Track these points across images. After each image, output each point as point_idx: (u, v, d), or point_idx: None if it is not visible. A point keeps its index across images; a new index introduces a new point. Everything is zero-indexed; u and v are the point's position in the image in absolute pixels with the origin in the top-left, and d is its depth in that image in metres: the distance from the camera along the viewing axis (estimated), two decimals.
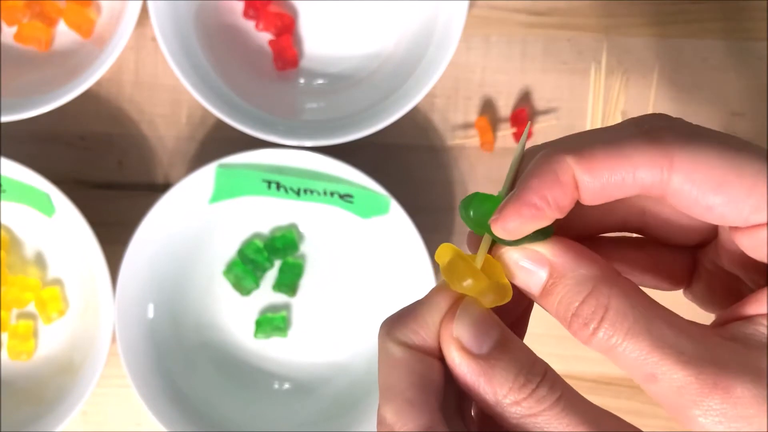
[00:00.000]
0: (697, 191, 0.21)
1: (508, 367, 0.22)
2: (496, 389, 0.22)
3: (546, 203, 0.22)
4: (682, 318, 0.23)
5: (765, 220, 0.21)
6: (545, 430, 0.22)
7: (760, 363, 0.20)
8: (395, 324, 0.23)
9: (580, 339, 0.23)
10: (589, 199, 0.22)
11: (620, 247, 0.26)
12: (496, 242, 0.24)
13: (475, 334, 0.22)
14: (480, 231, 0.24)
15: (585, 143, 0.22)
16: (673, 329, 0.22)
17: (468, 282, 0.23)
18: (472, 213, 0.24)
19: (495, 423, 0.23)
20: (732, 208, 0.21)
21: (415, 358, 0.22)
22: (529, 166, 0.22)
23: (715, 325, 0.23)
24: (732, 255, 0.24)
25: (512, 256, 0.23)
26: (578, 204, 0.22)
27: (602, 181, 0.21)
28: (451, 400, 0.24)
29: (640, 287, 0.23)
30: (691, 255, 0.26)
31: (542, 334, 0.55)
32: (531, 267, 0.23)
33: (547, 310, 0.23)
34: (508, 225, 0.22)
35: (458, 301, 0.23)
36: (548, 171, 0.22)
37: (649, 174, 0.21)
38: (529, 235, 0.23)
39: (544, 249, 0.23)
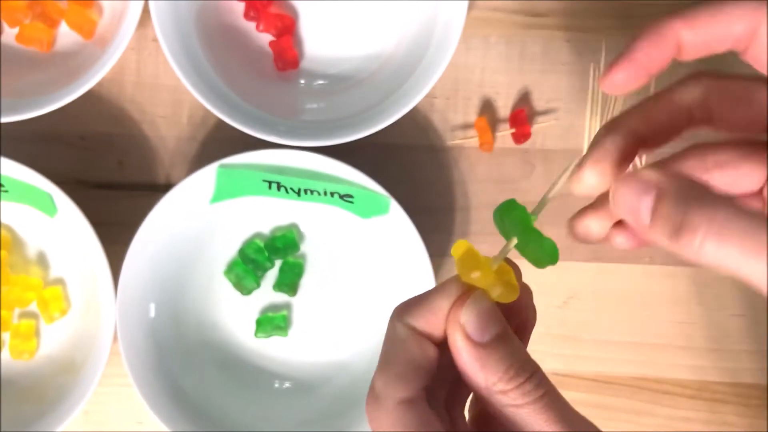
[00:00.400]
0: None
1: (502, 359, 0.24)
2: (488, 376, 0.24)
3: (649, 60, 0.26)
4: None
5: None
6: (525, 421, 0.24)
7: None
8: (406, 307, 0.26)
9: (687, 251, 0.23)
10: (691, 52, 0.27)
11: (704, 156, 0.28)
12: (517, 247, 0.27)
13: (479, 323, 0.25)
14: (505, 236, 0.27)
15: (690, 9, 0.26)
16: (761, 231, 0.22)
17: (476, 274, 0.26)
18: (505, 219, 0.28)
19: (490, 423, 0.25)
20: None
21: (415, 340, 0.25)
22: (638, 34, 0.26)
23: None
24: None
25: (623, 197, 0.24)
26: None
27: (702, 36, 0.26)
28: (441, 389, 0.26)
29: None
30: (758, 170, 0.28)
31: (543, 333, 0.56)
32: (640, 194, 0.23)
33: (655, 236, 0.23)
34: (615, 78, 0.27)
35: (468, 293, 0.26)
36: (654, 32, 0.26)
37: (741, 27, 0.26)
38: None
39: (650, 174, 0.24)
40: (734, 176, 0.28)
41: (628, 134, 0.26)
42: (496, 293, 0.26)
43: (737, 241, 0.22)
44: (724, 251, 0.22)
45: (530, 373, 0.25)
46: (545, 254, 0.26)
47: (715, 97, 0.26)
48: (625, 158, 0.26)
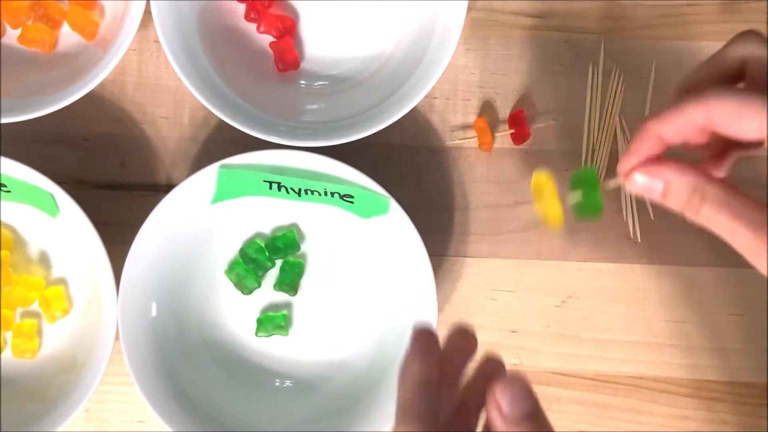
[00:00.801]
0: (726, 122, 0.34)
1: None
2: None
3: (643, 153, 0.36)
4: (752, 199, 0.34)
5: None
6: None
7: None
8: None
9: (691, 216, 0.35)
10: (673, 139, 0.36)
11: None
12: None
13: (513, 400, 0.30)
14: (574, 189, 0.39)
15: (661, 111, 0.36)
16: (745, 206, 0.34)
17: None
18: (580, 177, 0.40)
19: None
20: (749, 127, 0.33)
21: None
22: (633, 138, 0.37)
23: None
24: None
25: (640, 179, 0.36)
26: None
27: (673, 129, 0.35)
28: None
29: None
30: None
31: (542, 333, 0.56)
32: (653, 181, 0.35)
33: (669, 206, 0.36)
34: (625, 165, 0.36)
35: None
36: (640, 134, 0.36)
37: (698, 117, 0.34)
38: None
39: (657, 168, 0.35)
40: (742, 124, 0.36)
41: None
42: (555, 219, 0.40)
43: (730, 210, 0.34)
44: (719, 217, 0.34)
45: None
46: (596, 206, 0.39)
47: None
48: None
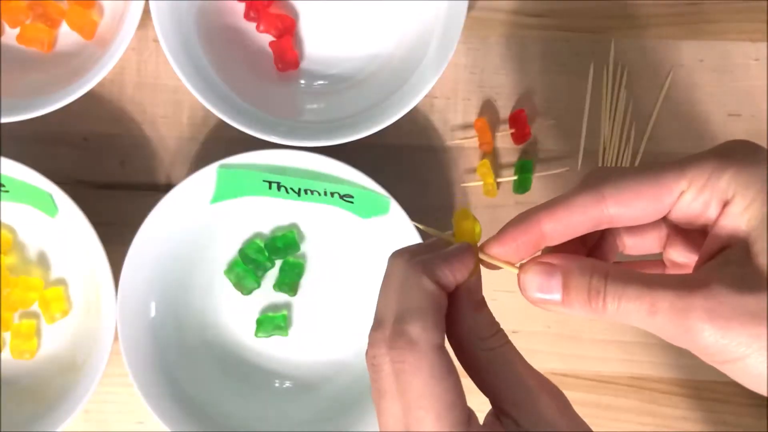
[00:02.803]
0: (624, 212, 0.29)
1: (486, 315, 0.31)
2: (478, 324, 0.30)
3: (517, 245, 0.31)
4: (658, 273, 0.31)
5: (675, 198, 0.29)
6: (498, 359, 0.30)
7: (716, 274, 0.27)
8: (432, 263, 0.30)
9: (597, 309, 0.29)
10: (556, 240, 0.31)
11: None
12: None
13: (477, 288, 0.31)
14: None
15: (549, 203, 0.30)
16: (655, 276, 0.28)
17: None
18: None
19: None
20: (649, 210, 0.29)
21: (442, 295, 0.29)
22: (511, 220, 0.31)
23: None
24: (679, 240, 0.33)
25: (533, 278, 0.31)
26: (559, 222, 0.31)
27: (562, 226, 0.30)
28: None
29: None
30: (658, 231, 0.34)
31: (543, 333, 0.56)
32: (547, 278, 0.30)
33: (570, 306, 0.30)
34: (490, 250, 0.31)
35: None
36: (519, 224, 0.31)
37: (595, 212, 0.30)
38: None
39: (552, 259, 0.30)
40: (641, 240, 0.34)
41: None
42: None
43: (628, 299, 0.28)
44: (624, 309, 0.28)
45: (498, 328, 0.31)
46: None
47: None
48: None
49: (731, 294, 0.26)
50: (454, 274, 0.30)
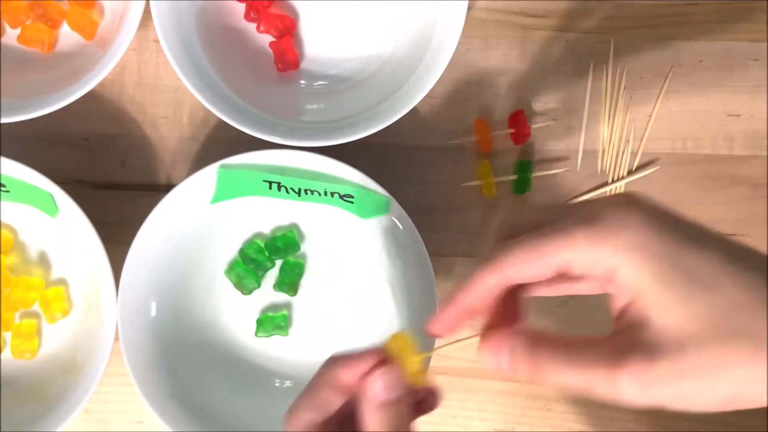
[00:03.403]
0: (521, 276, 0.33)
1: (390, 420, 0.35)
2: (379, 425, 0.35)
3: (453, 320, 0.35)
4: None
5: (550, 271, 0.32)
6: None
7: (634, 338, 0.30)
8: (340, 359, 0.37)
9: (544, 381, 0.32)
10: (479, 305, 0.34)
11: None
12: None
13: (383, 387, 0.35)
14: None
15: (464, 283, 0.34)
16: (584, 350, 0.31)
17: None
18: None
19: None
20: (546, 274, 0.32)
21: (334, 388, 0.37)
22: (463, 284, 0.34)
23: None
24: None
25: (485, 349, 0.34)
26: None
27: (478, 296, 0.34)
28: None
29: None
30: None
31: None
32: (497, 353, 0.33)
33: (516, 374, 0.33)
34: (441, 324, 0.35)
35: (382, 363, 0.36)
36: (450, 303, 0.35)
37: (495, 280, 0.33)
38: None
39: (501, 336, 0.33)
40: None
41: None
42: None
43: (566, 370, 0.30)
44: (563, 379, 0.30)
45: None
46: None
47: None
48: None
49: (643, 362, 0.28)
50: (354, 372, 0.36)
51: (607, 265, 0.30)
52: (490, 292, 0.34)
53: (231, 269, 0.54)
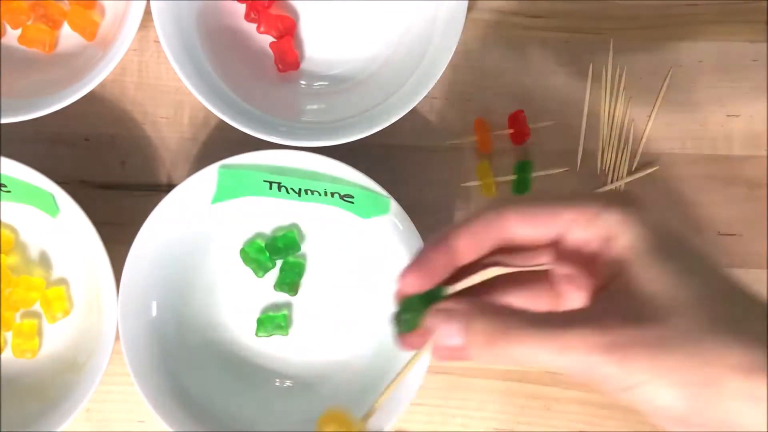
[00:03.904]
0: (522, 231, 0.32)
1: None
2: None
3: (435, 265, 0.33)
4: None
5: (556, 232, 0.32)
6: None
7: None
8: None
9: (499, 355, 0.30)
10: (466, 257, 0.33)
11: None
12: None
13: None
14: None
15: (457, 223, 0.33)
16: (556, 315, 0.30)
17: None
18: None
19: None
20: (542, 232, 0.32)
21: None
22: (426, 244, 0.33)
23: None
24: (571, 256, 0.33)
25: (436, 320, 0.32)
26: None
27: (470, 241, 0.33)
28: None
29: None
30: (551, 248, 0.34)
31: None
32: (449, 321, 0.31)
33: (474, 353, 0.31)
34: (407, 281, 0.33)
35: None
36: (434, 243, 0.33)
37: (495, 232, 0.32)
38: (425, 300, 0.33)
39: (449, 305, 0.32)
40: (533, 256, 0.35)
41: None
42: None
43: (534, 341, 0.29)
44: (527, 351, 0.29)
45: None
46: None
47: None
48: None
49: (624, 327, 0.28)
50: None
51: (607, 230, 0.31)
52: (479, 247, 0.33)
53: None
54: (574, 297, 0.34)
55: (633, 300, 0.29)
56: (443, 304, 0.32)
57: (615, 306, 0.29)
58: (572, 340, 0.28)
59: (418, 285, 0.33)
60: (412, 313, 0.33)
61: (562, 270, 0.34)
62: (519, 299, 0.36)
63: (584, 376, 0.29)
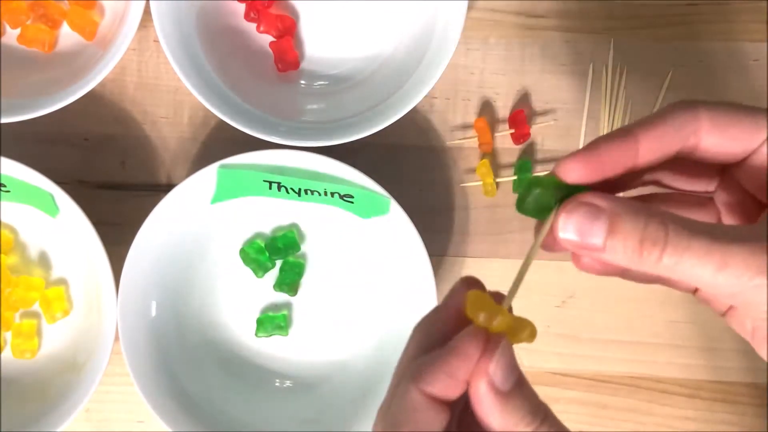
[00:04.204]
0: (720, 128, 0.28)
1: (521, 405, 0.26)
2: (507, 421, 0.26)
3: (611, 161, 0.28)
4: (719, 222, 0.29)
5: (756, 146, 0.28)
6: None
7: None
8: (422, 373, 0.26)
9: (651, 264, 0.26)
10: (647, 160, 0.28)
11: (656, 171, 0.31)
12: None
13: (505, 375, 0.26)
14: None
15: (644, 119, 0.28)
16: (723, 228, 0.26)
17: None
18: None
19: None
20: (736, 144, 0.28)
21: (431, 409, 0.26)
22: (604, 136, 0.28)
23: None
24: (751, 177, 0.30)
25: (573, 218, 0.27)
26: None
27: (657, 142, 0.28)
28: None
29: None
30: (718, 172, 0.32)
31: (542, 333, 0.56)
32: (592, 218, 0.26)
33: (613, 256, 0.27)
34: (571, 167, 0.28)
35: (488, 341, 0.27)
36: (622, 136, 0.28)
37: (688, 128, 0.28)
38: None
39: (595, 200, 0.27)
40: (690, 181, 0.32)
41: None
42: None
43: (694, 253, 0.25)
44: (683, 262, 0.25)
45: (543, 416, 0.26)
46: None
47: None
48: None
49: None
50: (453, 379, 0.26)
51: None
52: (663, 150, 0.28)
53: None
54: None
55: None
56: (586, 196, 0.27)
57: None
58: (734, 257, 0.25)
59: (582, 176, 0.28)
60: (544, 191, 0.28)
61: (728, 197, 0.31)
62: None
63: (736, 299, 0.26)
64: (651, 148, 0.28)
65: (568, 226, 0.27)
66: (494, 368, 0.26)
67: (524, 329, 0.27)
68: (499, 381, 0.26)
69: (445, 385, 0.26)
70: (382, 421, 0.27)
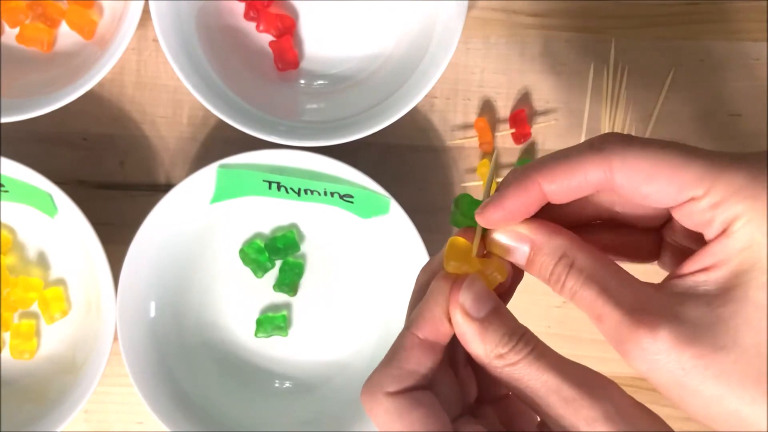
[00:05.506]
0: (633, 184, 0.27)
1: (498, 329, 0.28)
2: (487, 345, 0.28)
3: (518, 206, 0.29)
4: (629, 275, 0.29)
5: (688, 198, 0.27)
6: (520, 376, 0.27)
7: (679, 308, 0.26)
8: (413, 318, 0.29)
9: (557, 291, 0.29)
10: (557, 199, 0.29)
11: (597, 232, 0.32)
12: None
13: (475, 302, 0.28)
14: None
15: (548, 161, 0.29)
16: (619, 282, 0.28)
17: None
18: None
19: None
20: (662, 193, 0.27)
21: (422, 349, 0.29)
22: (505, 179, 0.30)
23: (660, 283, 0.29)
24: (681, 230, 0.30)
25: (501, 239, 0.30)
26: (557, 205, 0.29)
27: (563, 186, 0.28)
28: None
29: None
30: (657, 234, 0.32)
31: (543, 333, 0.55)
32: (517, 245, 0.29)
33: (533, 275, 0.30)
34: (491, 217, 0.29)
35: (460, 281, 0.29)
36: (520, 183, 0.29)
37: (596, 176, 0.28)
38: None
39: (524, 229, 0.29)
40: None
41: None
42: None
43: (583, 302, 0.28)
44: (577, 304, 0.28)
45: (520, 335, 0.28)
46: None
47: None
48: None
49: (680, 349, 0.26)
50: (433, 320, 0.29)
51: (735, 215, 0.26)
52: (578, 189, 0.28)
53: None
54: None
55: (720, 308, 0.26)
56: (519, 227, 0.29)
57: (685, 316, 0.26)
58: (611, 319, 0.27)
59: (500, 221, 0.30)
60: (468, 207, 0.31)
61: (670, 237, 0.31)
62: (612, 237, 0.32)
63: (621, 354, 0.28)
64: (556, 192, 0.28)
65: (498, 243, 0.30)
66: (464, 297, 0.28)
67: (491, 267, 0.30)
68: (470, 307, 0.28)
69: (431, 327, 0.29)
70: (383, 361, 0.29)
